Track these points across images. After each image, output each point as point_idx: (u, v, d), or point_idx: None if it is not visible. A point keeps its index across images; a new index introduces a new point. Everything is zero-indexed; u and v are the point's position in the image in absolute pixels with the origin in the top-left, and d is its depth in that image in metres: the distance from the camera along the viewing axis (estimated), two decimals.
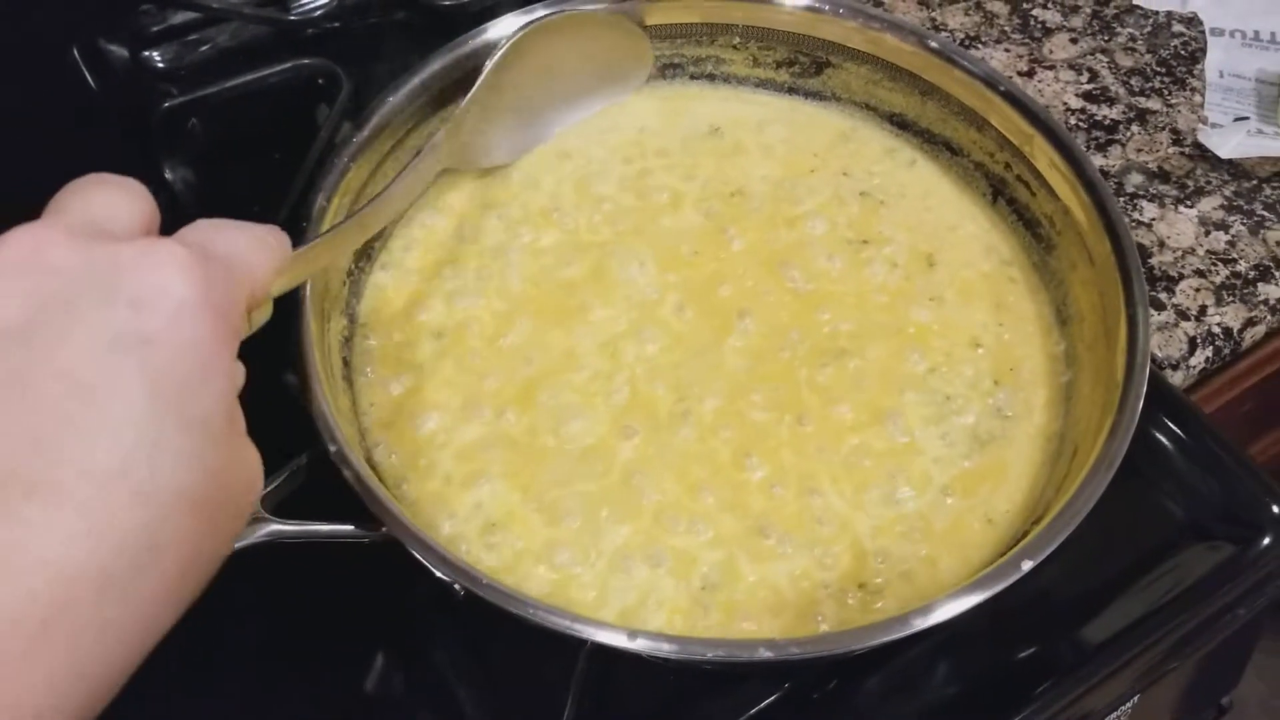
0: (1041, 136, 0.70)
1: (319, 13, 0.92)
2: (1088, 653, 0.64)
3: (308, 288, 0.62)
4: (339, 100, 0.85)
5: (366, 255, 0.72)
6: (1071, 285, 0.69)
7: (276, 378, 0.61)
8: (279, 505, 0.58)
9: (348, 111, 0.85)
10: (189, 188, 0.86)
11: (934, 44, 0.74)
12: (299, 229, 0.65)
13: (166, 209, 0.83)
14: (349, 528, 0.56)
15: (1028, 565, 0.54)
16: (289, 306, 0.62)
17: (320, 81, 0.88)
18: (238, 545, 0.54)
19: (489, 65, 0.70)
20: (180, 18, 0.95)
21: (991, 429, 0.66)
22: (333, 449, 0.57)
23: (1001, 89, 0.71)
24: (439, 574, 0.54)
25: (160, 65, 0.94)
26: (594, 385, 0.67)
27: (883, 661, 0.63)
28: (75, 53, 0.93)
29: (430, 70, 0.72)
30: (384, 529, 0.55)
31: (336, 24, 0.94)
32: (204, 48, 0.96)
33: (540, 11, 0.74)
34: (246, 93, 0.88)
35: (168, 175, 0.86)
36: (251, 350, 0.56)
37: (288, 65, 0.87)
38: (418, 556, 0.54)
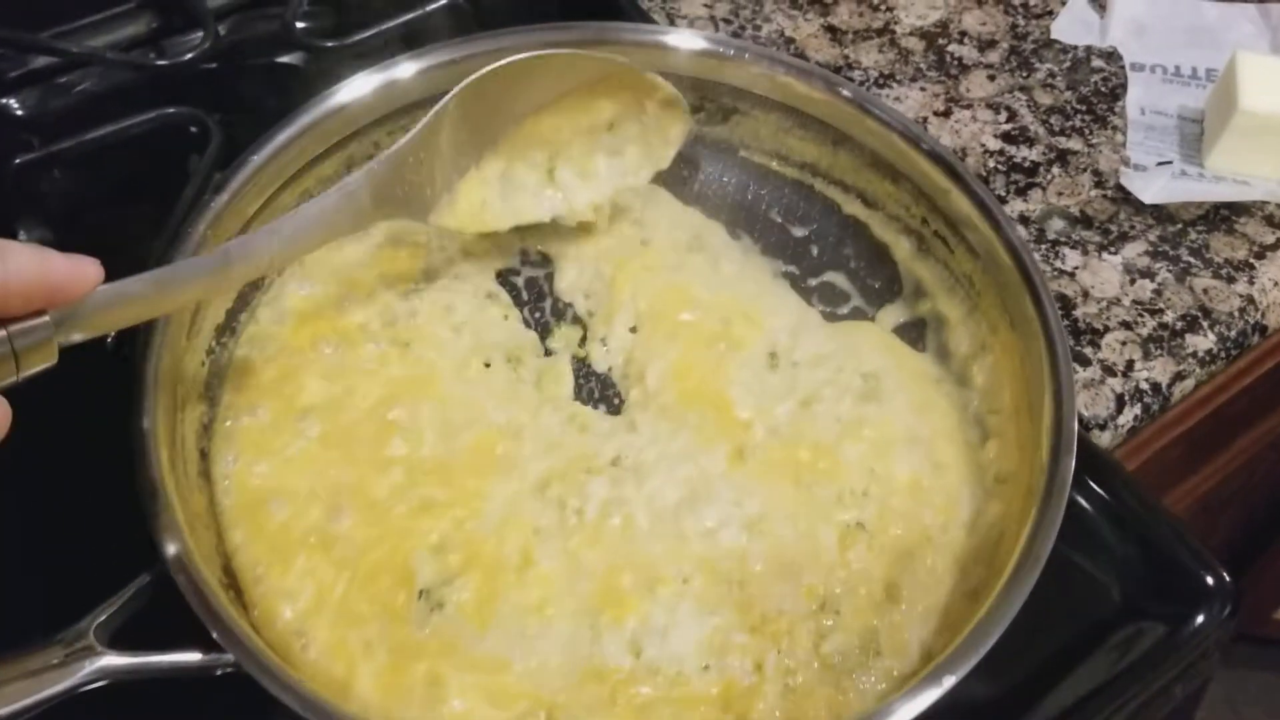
0: (958, 190, 0.66)
1: (191, 55, 0.85)
2: None
3: (150, 374, 0.55)
4: (209, 150, 0.78)
5: (230, 329, 0.65)
6: (993, 349, 0.65)
7: (116, 480, 0.55)
8: (117, 633, 0.51)
9: (219, 161, 0.78)
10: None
11: (846, 91, 0.70)
12: None
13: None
14: (194, 657, 0.50)
15: (950, 681, 0.50)
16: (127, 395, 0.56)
17: (193, 129, 0.82)
18: (59, 690, 0.47)
19: (434, 110, 0.62)
20: (41, 61, 0.88)
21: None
22: (171, 554, 0.50)
23: (919, 142, 0.67)
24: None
25: (19, 113, 0.87)
26: None
27: None
28: None
29: (298, 127, 0.66)
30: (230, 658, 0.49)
31: (214, 64, 0.88)
32: (68, 93, 0.89)
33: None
34: (110, 144, 0.81)
35: (22, 237, 0.79)
36: (89, 448, 0.50)
37: (152, 115, 0.80)
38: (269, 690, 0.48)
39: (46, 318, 0.44)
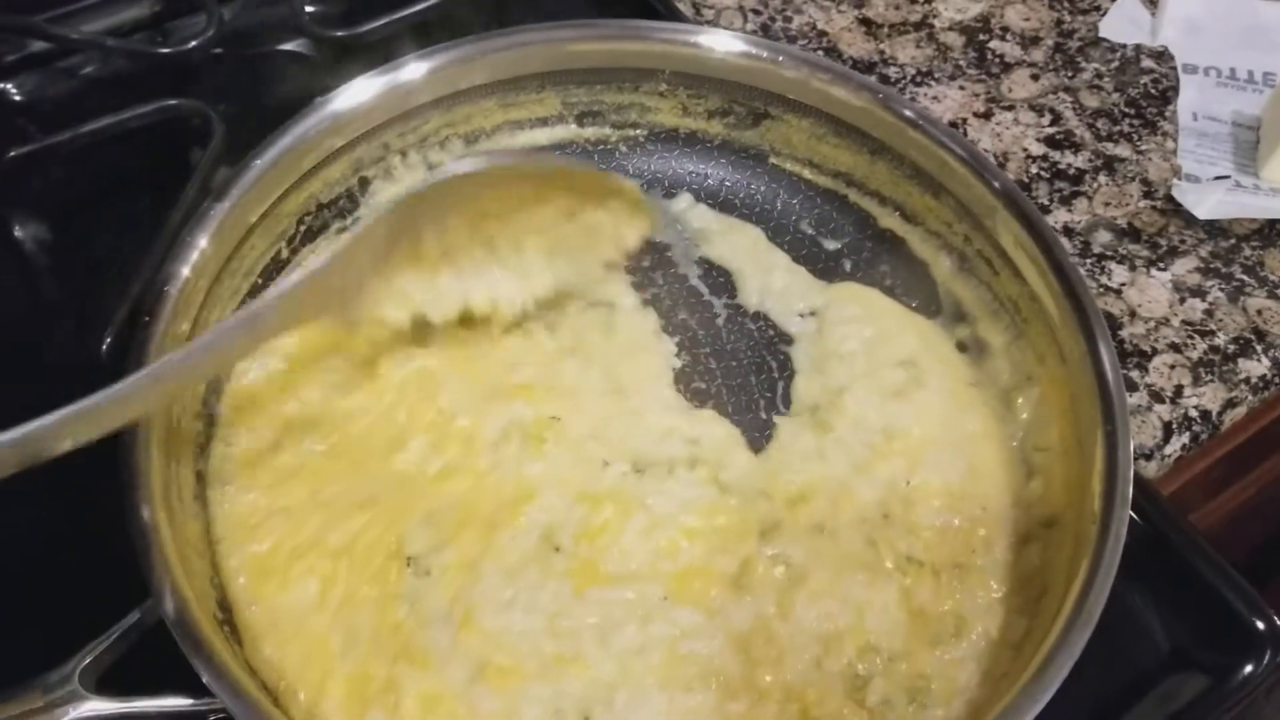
0: (1006, 211, 0.62)
1: (194, 42, 0.81)
2: None
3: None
4: (211, 145, 0.75)
5: None
6: (1039, 381, 0.61)
7: (106, 510, 0.52)
8: (105, 675, 0.48)
9: (222, 157, 0.74)
10: (42, 247, 0.76)
11: (889, 100, 0.65)
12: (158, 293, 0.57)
13: (15, 272, 0.75)
14: (184, 702, 0.47)
15: None
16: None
17: (196, 122, 0.78)
18: None
19: (358, 231, 0.55)
20: (40, 45, 0.84)
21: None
22: (161, 595, 0.47)
23: (964, 155, 0.63)
24: None
25: (17, 99, 0.84)
26: None
27: None
28: None
29: (296, 135, 0.62)
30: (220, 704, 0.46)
31: (219, 50, 0.84)
32: (69, 78, 0.85)
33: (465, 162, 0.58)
34: (109, 136, 0.77)
35: (16, 233, 0.75)
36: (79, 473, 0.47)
37: (152, 108, 0.76)
38: None
39: None
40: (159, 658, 0.49)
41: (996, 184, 0.62)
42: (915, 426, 0.60)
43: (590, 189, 0.61)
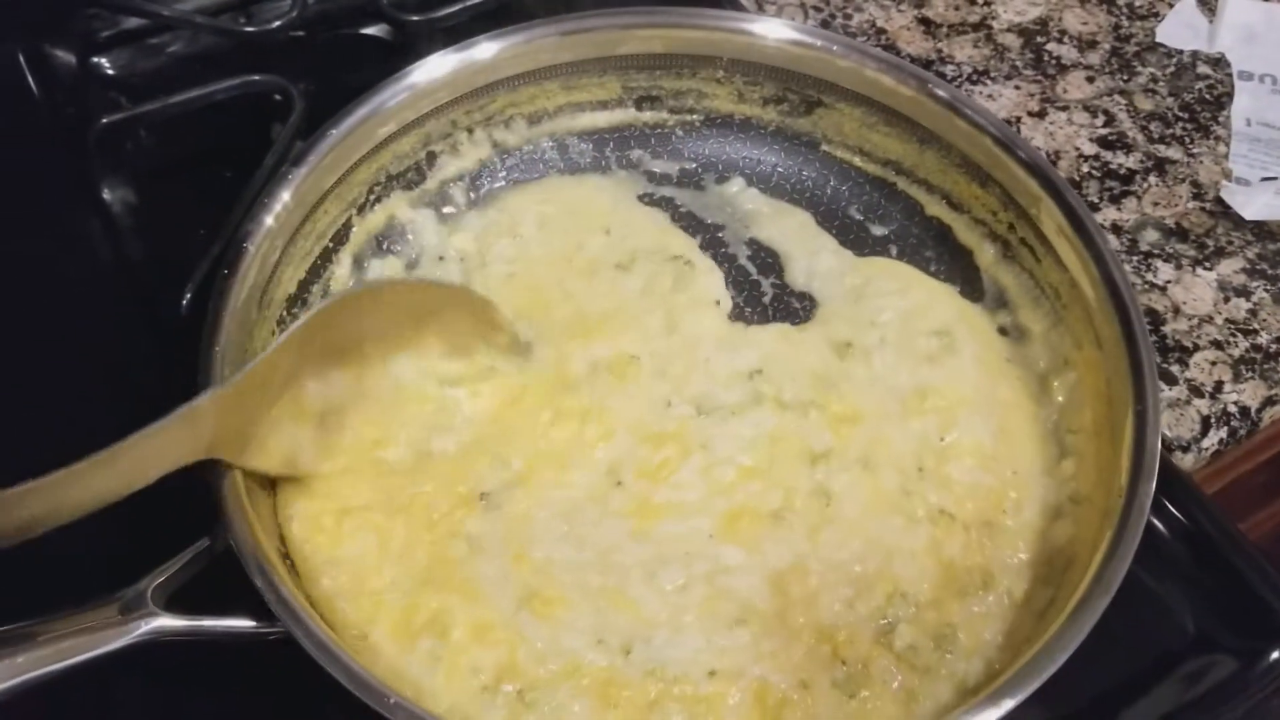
0: (1050, 200, 0.63)
1: (278, 23, 0.85)
2: None
3: (219, 347, 0.55)
4: (291, 120, 0.78)
5: (301, 299, 0.65)
6: (1076, 365, 0.62)
7: None
8: (174, 595, 0.52)
9: (301, 131, 0.78)
10: (128, 209, 0.80)
11: (939, 90, 0.68)
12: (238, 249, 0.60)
13: (102, 235, 0.79)
14: (247, 624, 0.50)
15: (1009, 705, 0.48)
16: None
17: (277, 98, 0.82)
18: (117, 646, 0.48)
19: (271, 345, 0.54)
20: (132, 22, 0.89)
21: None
22: (230, 522, 0.51)
23: (1010, 145, 0.65)
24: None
25: (110, 72, 0.88)
26: None
27: None
28: (20, 57, 0.87)
29: (373, 106, 0.66)
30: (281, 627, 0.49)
31: (301, 33, 0.88)
32: (158, 55, 0.90)
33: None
34: (195, 108, 0.82)
35: (105, 195, 0.80)
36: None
37: (237, 81, 0.80)
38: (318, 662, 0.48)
39: None
40: (225, 582, 0.52)
41: (1041, 173, 0.64)
42: (948, 388, 0.62)
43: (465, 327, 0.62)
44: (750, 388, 0.64)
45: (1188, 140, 0.86)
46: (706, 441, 0.62)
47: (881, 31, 0.92)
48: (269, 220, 0.60)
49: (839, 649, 0.54)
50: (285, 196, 0.61)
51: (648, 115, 0.76)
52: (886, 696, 0.54)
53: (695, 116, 0.75)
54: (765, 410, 0.63)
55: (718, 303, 0.68)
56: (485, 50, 0.68)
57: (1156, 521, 0.65)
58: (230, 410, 0.51)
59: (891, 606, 0.56)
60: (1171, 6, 0.94)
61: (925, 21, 0.93)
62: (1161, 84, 0.90)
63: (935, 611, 0.56)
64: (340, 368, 0.59)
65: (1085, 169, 0.84)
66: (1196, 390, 0.72)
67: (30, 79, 0.86)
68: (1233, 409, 0.72)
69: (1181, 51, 0.92)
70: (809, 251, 0.71)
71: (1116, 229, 0.80)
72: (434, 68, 0.67)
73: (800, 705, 0.53)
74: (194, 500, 0.53)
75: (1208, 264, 0.79)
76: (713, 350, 0.66)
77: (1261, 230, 0.80)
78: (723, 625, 0.55)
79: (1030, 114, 0.87)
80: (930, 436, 0.61)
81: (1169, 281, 0.78)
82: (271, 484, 0.59)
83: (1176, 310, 0.76)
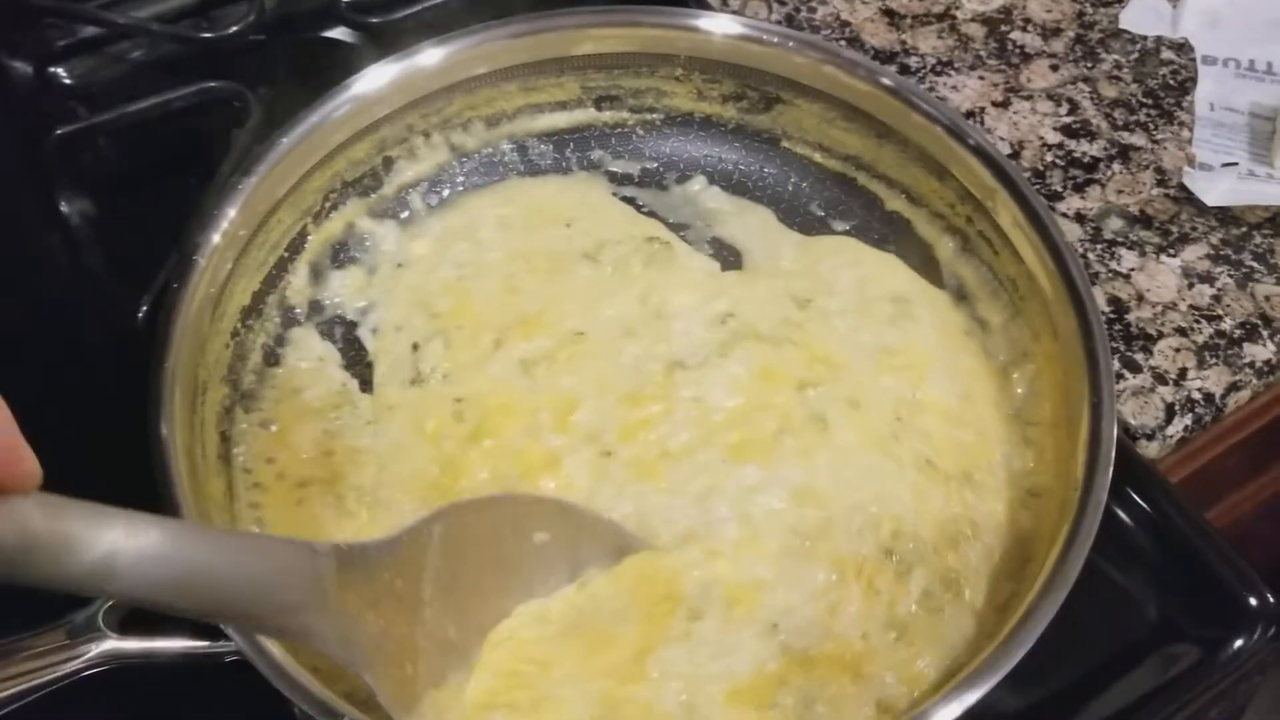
0: (1006, 192, 0.63)
1: (237, 27, 0.85)
2: None
3: (170, 364, 0.55)
4: (248, 126, 0.78)
5: (256, 310, 0.65)
6: (1035, 358, 0.62)
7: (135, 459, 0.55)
8: (127, 618, 0.51)
9: (259, 137, 0.78)
10: (87, 220, 0.79)
11: (890, 83, 0.67)
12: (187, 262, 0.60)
13: (61, 247, 0.79)
14: (200, 644, 0.50)
15: (972, 698, 0.48)
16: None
17: (236, 104, 0.82)
18: (66, 671, 0.47)
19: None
20: (90, 31, 0.88)
21: None
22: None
23: (967, 139, 0.65)
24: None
25: (68, 82, 0.88)
26: None
27: None
28: None
29: (322, 114, 0.65)
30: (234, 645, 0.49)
31: (261, 37, 0.88)
32: (117, 64, 0.89)
33: None
34: (154, 116, 0.81)
35: (64, 206, 0.79)
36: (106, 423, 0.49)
37: (194, 89, 0.80)
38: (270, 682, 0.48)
39: None
40: None
41: (996, 165, 0.63)
42: (912, 349, 0.64)
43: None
44: (725, 330, 0.65)
45: (1151, 127, 0.86)
46: (693, 389, 0.63)
47: (845, 24, 0.92)
48: (217, 233, 0.60)
49: (872, 581, 0.57)
50: (232, 210, 0.61)
51: (608, 115, 0.75)
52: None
53: (655, 115, 0.75)
54: (746, 346, 0.64)
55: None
56: (429, 56, 0.68)
57: (1120, 511, 0.65)
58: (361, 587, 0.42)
59: (898, 543, 0.58)
60: None
61: (889, 13, 0.93)
62: (1125, 70, 0.89)
63: (939, 557, 0.57)
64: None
65: (1049, 158, 0.84)
66: (1160, 378, 0.72)
67: None
68: (1197, 395, 0.72)
69: (1145, 37, 0.91)
70: (771, 248, 0.71)
71: (1080, 217, 0.80)
72: (375, 77, 0.67)
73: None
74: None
75: (1171, 251, 0.78)
76: (681, 307, 0.66)
77: (1225, 216, 0.80)
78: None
79: (994, 104, 0.87)
80: (904, 390, 0.63)
81: (1133, 269, 0.78)
82: (230, 499, 0.59)
83: (1140, 298, 0.76)
